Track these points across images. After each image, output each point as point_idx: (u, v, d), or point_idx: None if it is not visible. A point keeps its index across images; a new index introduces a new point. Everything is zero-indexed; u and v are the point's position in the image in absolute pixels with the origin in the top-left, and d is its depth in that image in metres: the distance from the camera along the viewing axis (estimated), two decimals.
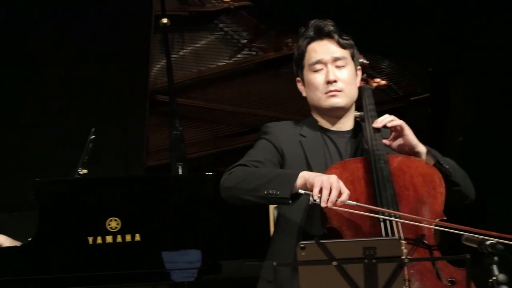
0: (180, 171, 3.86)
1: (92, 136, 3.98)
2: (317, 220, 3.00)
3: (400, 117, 3.13)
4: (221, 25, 4.30)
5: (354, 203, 2.83)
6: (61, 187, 3.59)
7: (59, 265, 3.53)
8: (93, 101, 5.32)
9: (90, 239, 3.55)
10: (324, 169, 3.03)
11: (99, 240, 3.55)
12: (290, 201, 2.88)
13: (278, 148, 3.13)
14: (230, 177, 3.03)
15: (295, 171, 2.95)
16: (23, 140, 5.28)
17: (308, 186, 2.86)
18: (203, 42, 4.30)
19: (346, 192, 2.82)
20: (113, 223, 3.57)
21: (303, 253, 2.48)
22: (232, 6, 4.28)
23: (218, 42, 4.31)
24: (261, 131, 3.21)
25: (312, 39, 3.17)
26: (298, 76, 3.22)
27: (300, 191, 2.84)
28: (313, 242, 2.48)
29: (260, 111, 4.35)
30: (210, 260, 3.65)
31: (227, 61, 4.31)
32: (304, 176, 2.89)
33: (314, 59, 3.15)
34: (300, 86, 3.22)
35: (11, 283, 3.51)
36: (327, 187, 2.80)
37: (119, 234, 3.57)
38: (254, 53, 4.34)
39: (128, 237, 3.58)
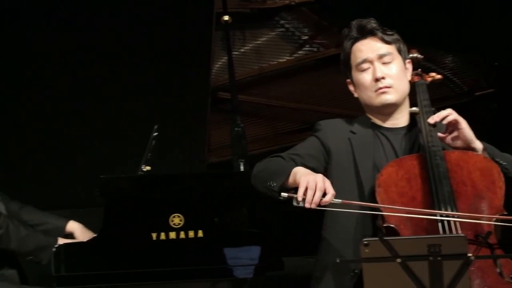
0: (241, 168, 3.88)
1: (155, 134, 4.01)
2: (365, 218, 2.99)
3: (464, 112, 3.09)
4: (282, 22, 4.30)
5: (340, 201, 2.81)
6: (125, 183, 3.63)
7: (123, 260, 3.58)
8: (155, 98, 5.37)
9: (154, 235, 3.58)
10: (372, 166, 3.04)
11: (162, 236, 3.59)
12: (281, 197, 2.85)
13: (325, 145, 3.13)
14: (258, 165, 3.08)
15: (292, 166, 2.96)
16: (89, 138, 5.36)
17: (296, 183, 2.86)
18: (264, 39, 4.30)
19: (330, 193, 2.80)
20: (176, 220, 3.60)
21: (366, 250, 2.47)
22: (293, 3, 4.27)
23: (279, 39, 4.31)
24: (313, 128, 3.22)
25: (356, 39, 3.16)
26: (347, 78, 3.21)
27: (283, 194, 2.83)
28: (377, 239, 2.47)
29: (321, 108, 4.33)
30: (272, 257, 3.66)
31: (288, 58, 4.31)
32: (295, 171, 2.90)
33: (360, 59, 3.13)
34: (351, 87, 3.22)
35: (76, 278, 3.56)
36: (312, 187, 2.79)
37: (182, 231, 3.60)
38: (315, 49, 4.32)
39: (191, 233, 3.60)
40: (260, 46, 4.29)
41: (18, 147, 5.33)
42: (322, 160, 3.11)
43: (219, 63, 4.22)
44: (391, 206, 2.88)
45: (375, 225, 2.99)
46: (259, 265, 3.63)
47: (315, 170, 3.10)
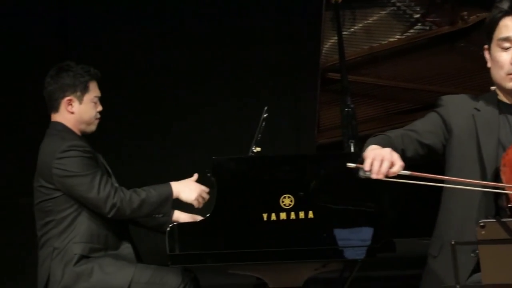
0: (352, 149, 3.85)
1: (265, 115, 4.03)
2: (487, 198, 2.92)
3: None
4: (393, 0, 4.22)
5: (408, 172, 2.77)
6: (236, 164, 3.66)
7: (235, 241, 3.61)
8: (265, 80, 5.40)
9: (265, 216, 3.60)
10: (496, 145, 2.95)
11: (273, 217, 3.60)
12: (348, 167, 2.84)
13: (446, 122, 3.07)
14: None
15: (374, 142, 2.95)
16: (200, 119, 5.45)
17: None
18: (374, 18, 4.23)
19: (398, 164, 2.78)
20: (287, 200, 3.61)
21: (482, 232, 2.41)
22: None
23: (390, 18, 4.23)
24: (436, 103, 3.17)
25: (506, 14, 3.03)
26: (486, 44, 3.12)
27: (349, 164, 2.80)
28: (494, 220, 2.42)
29: (434, 87, 4.23)
30: (383, 238, 3.62)
31: (399, 37, 4.22)
32: (369, 148, 2.89)
33: (503, 35, 3.02)
34: (486, 54, 3.11)
35: (190, 257, 3.63)
36: (378, 159, 2.78)
37: (292, 211, 3.61)
38: (427, 27, 4.22)
39: (301, 214, 3.61)
40: (370, 26, 4.22)
41: (134, 127, 5.46)
42: (441, 137, 3.06)
43: (329, 43, 4.19)
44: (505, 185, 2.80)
45: (498, 205, 2.92)
46: (371, 246, 3.60)
47: (432, 147, 3.06)
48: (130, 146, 5.43)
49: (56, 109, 3.93)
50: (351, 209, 3.62)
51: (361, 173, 2.82)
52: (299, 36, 5.32)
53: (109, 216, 3.78)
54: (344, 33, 4.12)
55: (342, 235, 3.60)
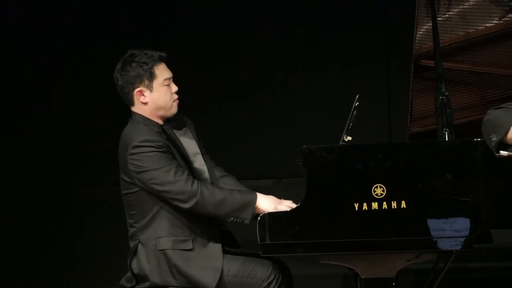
0: (446, 137, 3.76)
1: (357, 103, 3.98)
2: None
3: None
4: None
5: None
6: (327, 154, 3.63)
7: (326, 230, 3.58)
8: (357, 68, 5.35)
9: (356, 205, 3.56)
10: None
11: (365, 206, 3.56)
12: (498, 155, 2.65)
13: None
14: (491, 112, 2.89)
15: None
16: (291, 108, 5.44)
17: None
18: (470, 3, 4.11)
19: None
20: (379, 190, 3.57)
21: None
22: None
23: (487, 2, 4.10)
24: None
25: None
26: None
27: (502, 153, 2.63)
28: None
29: None
30: (479, 229, 3.53)
31: (496, 22, 4.10)
32: None
33: None
34: None
35: (282, 247, 3.61)
36: None
37: (384, 201, 3.56)
38: None
39: (394, 204, 3.55)
40: (466, 11, 4.11)
41: (223, 116, 5.49)
42: None
43: (423, 29, 4.11)
44: None
45: None
46: (466, 237, 3.52)
47: None
48: (223, 133, 5.45)
49: (131, 102, 3.83)
50: (445, 199, 3.55)
51: None
52: (392, 22, 5.24)
53: (188, 207, 3.68)
54: (439, 18, 4.03)
55: (436, 225, 3.54)
